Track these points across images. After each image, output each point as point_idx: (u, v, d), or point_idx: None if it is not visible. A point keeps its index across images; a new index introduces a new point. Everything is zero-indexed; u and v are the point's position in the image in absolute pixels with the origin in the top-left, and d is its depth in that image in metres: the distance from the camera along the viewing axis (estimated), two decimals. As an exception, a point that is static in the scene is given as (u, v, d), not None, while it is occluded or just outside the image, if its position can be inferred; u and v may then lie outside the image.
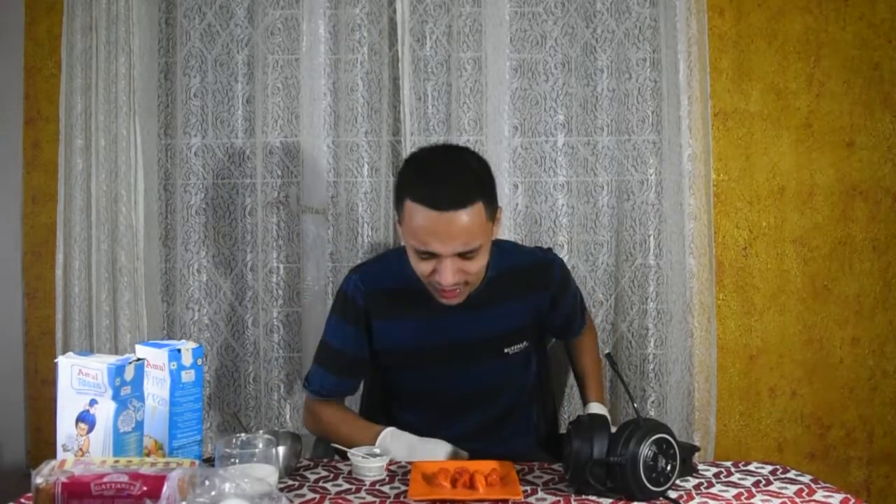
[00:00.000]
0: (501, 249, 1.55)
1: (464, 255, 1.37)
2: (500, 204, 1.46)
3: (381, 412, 1.70)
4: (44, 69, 2.19)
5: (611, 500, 1.21)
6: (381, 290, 1.55)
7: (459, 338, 1.54)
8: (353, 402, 1.91)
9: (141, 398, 1.21)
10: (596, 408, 1.63)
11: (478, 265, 1.40)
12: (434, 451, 1.43)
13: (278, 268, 2.12)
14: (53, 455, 1.17)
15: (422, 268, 1.40)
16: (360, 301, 1.55)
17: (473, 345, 1.55)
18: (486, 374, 1.58)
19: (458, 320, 1.52)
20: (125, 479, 1.04)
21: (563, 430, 1.87)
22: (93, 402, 1.16)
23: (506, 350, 1.57)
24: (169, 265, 2.15)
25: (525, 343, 1.59)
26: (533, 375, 1.70)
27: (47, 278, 2.18)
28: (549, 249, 1.74)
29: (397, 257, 1.54)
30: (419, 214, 1.34)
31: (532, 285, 1.57)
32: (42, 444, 2.20)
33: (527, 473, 1.36)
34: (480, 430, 1.61)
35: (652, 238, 2.06)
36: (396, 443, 1.45)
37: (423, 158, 1.45)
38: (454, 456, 1.43)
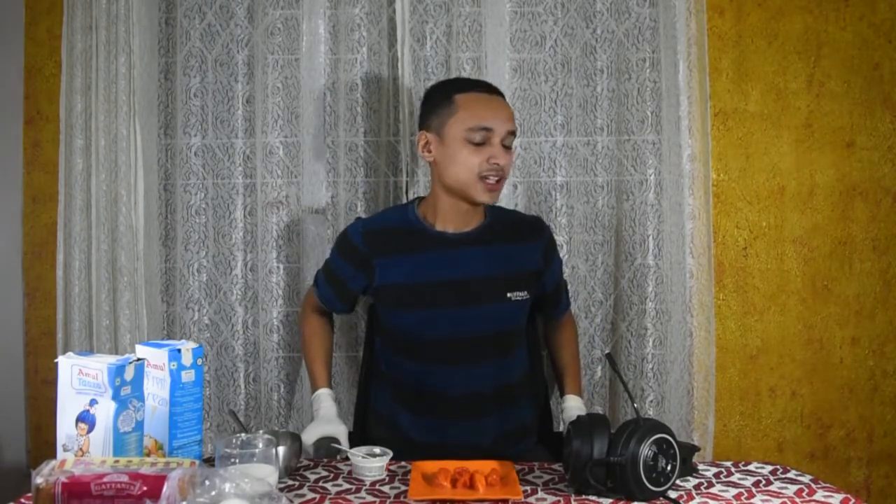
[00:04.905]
0: (496, 207, 1.72)
1: (505, 145, 1.58)
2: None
3: (385, 366, 1.73)
4: (44, 69, 2.19)
5: (611, 500, 1.21)
6: (380, 230, 1.67)
7: (461, 276, 1.61)
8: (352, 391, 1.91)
9: (141, 398, 1.21)
10: (572, 400, 1.66)
11: (511, 159, 1.62)
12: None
13: (278, 268, 2.12)
14: (54, 455, 1.17)
15: (473, 160, 1.56)
16: (359, 243, 1.66)
17: (475, 283, 1.61)
18: (487, 316, 1.62)
19: (459, 258, 1.62)
20: (125, 479, 1.04)
21: (555, 425, 1.88)
22: (93, 402, 1.16)
23: (508, 294, 1.62)
24: (169, 265, 2.15)
25: (526, 294, 1.65)
26: (524, 359, 1.73)
27: (47, 278, 2.18)
28: None
29: (397, 208, 1.78)
30: (474, 99, 1.58)
31: (527, 235, 1.70)
32: (42, 444, 2.20)
33: (527, 473, 1.36)
34: (474, 406, 1.62)
35: (651, 238, 2.06)
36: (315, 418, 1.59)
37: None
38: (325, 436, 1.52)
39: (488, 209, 1.69)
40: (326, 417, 1.56)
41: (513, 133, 1.60)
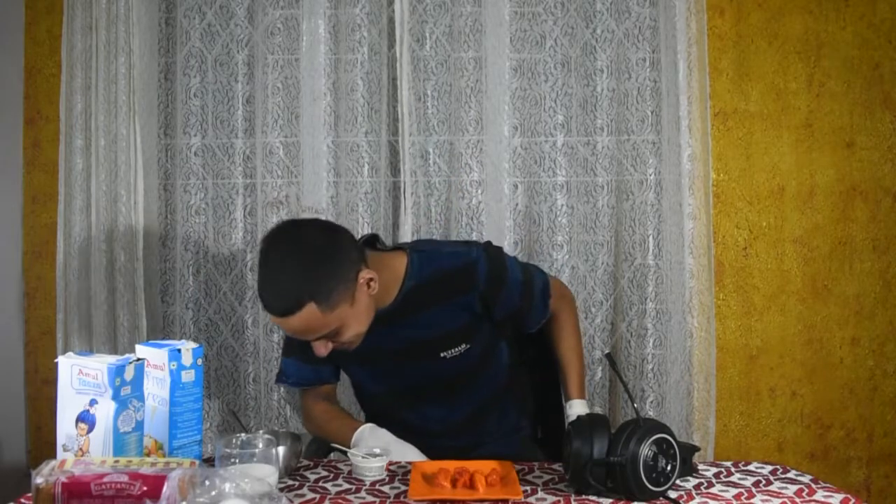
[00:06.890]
0: (421, 256, 1.51)
1: (326, 335, 1.38)
2: (363, 266, 1.40)
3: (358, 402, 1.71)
4: (44, 69, 2.19)
5: (611, 500, 1.21)
6: None
7: (390, 346, 1.52)
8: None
9: (141, 398, 1.21)
10: (577, 405, 1.56)
11: (347, 335, 1.40)
12: (404, 455, 1.43)
13: (278, 268, 2.12)
14: (54, 455, 1.17)
15: None
16: None
17: (405, 351, 1.53)
18: (426, 373, 1.55)
19: (385, 332, 1.48)
20: (125, 479, 1.04)
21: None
22: (93, 402, 1.16)
23: (442, 354, 1.52)
24: (169, 265, 2.15)
25: (466, 345, 1.52)
26: (505, 368, 1.65)
27: (47, 278, 2.18)
28: (477, 244, 1.58)
29: None
30: (266, 310, 1.39)
31: (455, 289, 1.50)
32: (42, 443, 2.20)
33: (527, 473, 1.36)
34: (454, 427, 1.60)
35: (651, 238, 2.06)
36: (372, 439, 1.45)
37: (263, 253, 1.39)
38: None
39: (409, 267, 1.48)
40: (400, 441, 1.46)
41: (321, 337, 1.38)
